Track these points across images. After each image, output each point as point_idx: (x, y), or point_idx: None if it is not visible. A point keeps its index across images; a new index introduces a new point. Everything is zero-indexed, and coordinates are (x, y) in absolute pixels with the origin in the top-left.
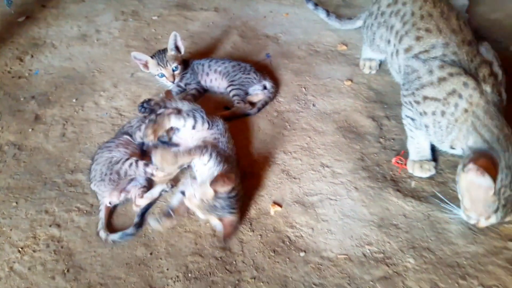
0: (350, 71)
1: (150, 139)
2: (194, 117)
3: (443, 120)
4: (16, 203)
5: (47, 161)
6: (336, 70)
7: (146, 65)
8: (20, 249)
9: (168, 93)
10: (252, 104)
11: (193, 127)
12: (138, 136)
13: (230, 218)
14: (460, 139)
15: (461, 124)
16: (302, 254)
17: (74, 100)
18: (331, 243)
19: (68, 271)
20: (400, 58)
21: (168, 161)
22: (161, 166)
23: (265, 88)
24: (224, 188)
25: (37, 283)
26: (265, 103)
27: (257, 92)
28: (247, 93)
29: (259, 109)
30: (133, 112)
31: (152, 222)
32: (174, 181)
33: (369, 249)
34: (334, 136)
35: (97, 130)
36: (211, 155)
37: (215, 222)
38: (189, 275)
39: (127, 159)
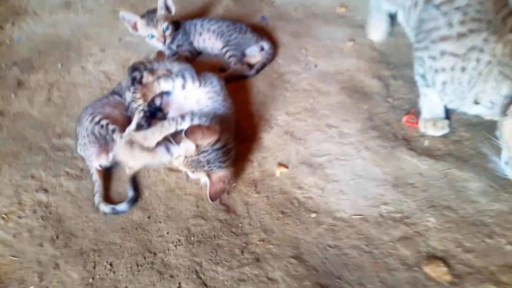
0: (351, 32)
1: (139, 104)
2: (183, 76)
3: (463, 76)
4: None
5: (32, 127)
6: (336, 32)
7: (135, 27)
8: (4, 215)
9: (160, 53)
10: (250, 66)
11: (183, 87)
12: (128, 97)
13: (220, 173)
14: (488, 91)
15: (486, 76)
16: (313, 215)
17: (59, 66)
18: (344, 203)
19: (57, 237)
20: (418, 11)
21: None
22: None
23: (262, 49)
24: (205, 140)
25: (23, 250)
26: (264, 65)
27: (255, 53)
28: (244, 54)
29: (258, 71)
30: (122, 76)
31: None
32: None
33: (385, 209)
34: (339, 97)
35: (85, 95)
36: (191, 119)
37: (205, 179)
38: (192, 238)
39: (100, 120)
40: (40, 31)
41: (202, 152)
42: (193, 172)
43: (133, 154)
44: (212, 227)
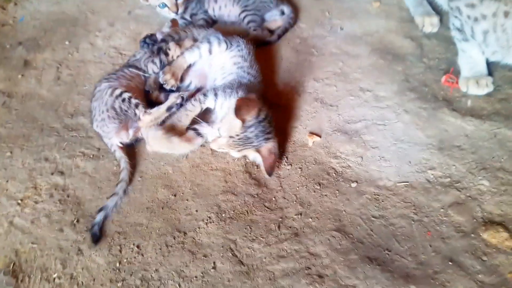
0: None
1: (172, 85)
2: (209, 41)
3: (507, 21)
4: (11, 152)
5: (42, 107)
6: None
7: None
8: (19, 201)
9: (175, 22)
10: (270, 31)
11: (210, 52)
12: (151, 69)
13: (268, 145)
14: None
15: None
16: (353, 185)
17: (67, 43)
18: (387, 170)
19: (77, 221)
20: None
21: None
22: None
23: (283, 13)
24: (251, 113)
25: (43, 237)
26: (285, 30)
27: (275, 18)
28: (263, 20)
29: (279, 36)
30: (134, 50)
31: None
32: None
33: (432, 174)
34: (370, 59)
35: (96, 71)
36: (215, 94)
37: (253, 155)
38: (223, 215)
39: (121, 93)
40: (44, 9)
41: (249, 127)
42: (239, 151)
43: (170, 145)
44: (243, 202)
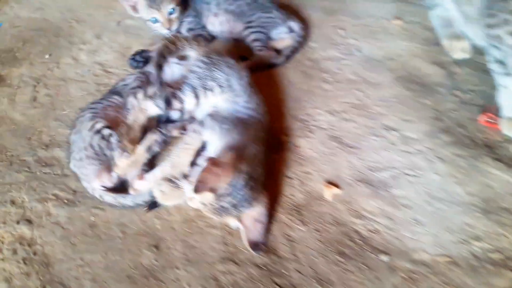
0: (395, 8)
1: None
2: (195, 94)
3: None
4: None
5: (13, 134)
6: (378, 7)
7: (135, 8)
8: None
9: (175, 41)
10: (277, 51)
11: (196, 104)
12: (130, 104)
13: (252, 212)
14: None
15: None
16: (384, 258)
17: (47, 56)
18: (423, 239)
19: None
20: None
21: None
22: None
23: (291, 30)
24: (222, 183)
25: None
26: (294, 50)
27: (283, 36)
28: (269, 37)
29: (288, 58)
30: (122, 67)
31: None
32: None
33: (479, 247)
34: (394, 89)
35: (78, 92)
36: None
37: (234, 224)
38: None
39: (102, 128)
40: (25, 15)
41: (223, 196)
42: (217, 218)
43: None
44: (247, 275)
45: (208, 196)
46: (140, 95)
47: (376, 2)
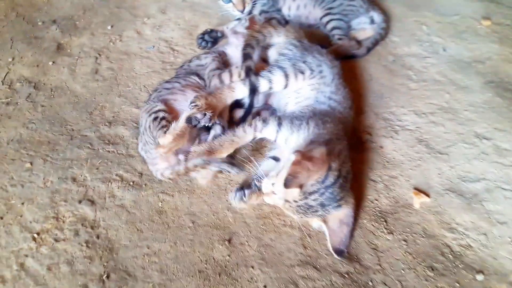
0: (484, 7)
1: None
2: (285, 72)
3: None
4: (31, 163)
5: (74, 107)
6: (464, 6)
7: None
8: (36, 235)
9: (252, 20)
10: (358, 42)
11: (285, 86)
12: (213, 86)
13: (338, 213)
14: None
15: None
16: (479, 277)
17: (109, 28)
18: None
19: (108, 277)
20: None
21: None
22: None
23: (373, 21)
24: (313, 178)
25: None
26: (376, 42)
27: (364, 26)
28: (350, 27)
29: (369, 50)
30: (189, 46)
31: (235, 200)
32: None
33: None
34: (485, 95)
35: (143, 68)
36: (279, 124)
37: (318, 224)
38: None
39: (158, 110)
40: None
41: (311, 193)
42: (299, 217)
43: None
44: (330, 284)
45: (294, 193)
46: (225, 77)
47: (462, 0)
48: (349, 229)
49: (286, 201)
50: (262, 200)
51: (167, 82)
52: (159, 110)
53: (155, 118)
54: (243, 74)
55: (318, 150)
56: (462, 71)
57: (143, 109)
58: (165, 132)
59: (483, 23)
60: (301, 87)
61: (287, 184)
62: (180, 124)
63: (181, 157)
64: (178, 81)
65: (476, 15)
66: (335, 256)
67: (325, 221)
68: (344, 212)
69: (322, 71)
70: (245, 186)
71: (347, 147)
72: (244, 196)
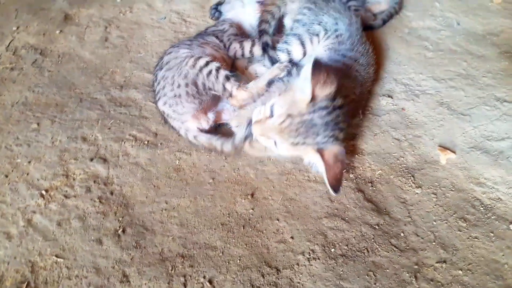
0: None
1: None
2: (300, 40)
3: None
4: (38, 124)
5: (82, 72)
6: None
7: None
8: (44, 192)
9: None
10: (373, 15)
11: (304, 54)
12: (233, 50)
13: (333, 148)
14: None
15: None
16: None
17: (118, 0)
18: None
19: (123, 231)
20: None
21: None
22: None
23: None
24: (327, 88)
25: (72, 248)
26: (390, 16)
27: (379, 0)
28: (365, 1)
29: (384, 22)
30: (201, 18)
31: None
32: None
33: None
34: (501, 63)
35: (154, 37)
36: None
37: (311, 158)
38: (332, 250)
39: (207, 63)
40: None
41: (320, 109)
42: (293, 145)
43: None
44: (360, 234)
45: (304, 101)
46: (247, 44)
47: None
48: (343, 166)
49: (289, 116)
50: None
51: (186, 39)
52: (208, 62)
53: (209, 72)
54: (260, 51)
55: (330, 71)
56: (477, 43)
57: (174, 62)
58: (239, 85)
59: (494, 1)
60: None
61: (314, 72)
62: (260, 85)
63: (211, 116)
64: (197, 39)
65: None
66: (331, 192)
67: (321, 154)
68: (338, 149)
69: (338, 29)
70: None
71: (356, 104)
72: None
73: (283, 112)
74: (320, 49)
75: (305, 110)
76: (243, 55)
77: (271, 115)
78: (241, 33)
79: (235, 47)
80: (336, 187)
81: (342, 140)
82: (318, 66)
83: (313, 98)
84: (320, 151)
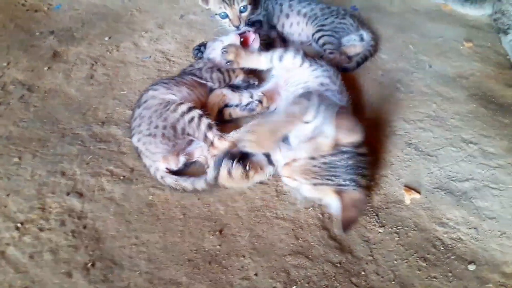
0: (465, 31)
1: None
2: (285, 49)
3: None
4: (19, 158)
5: (66, 108)
6: (447, 30)
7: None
8: (19, 225)
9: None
10: (348, 57)
11: (280, 59)
12: (216, 79)
13: (354, 193)
14: None
15: None
16: (471, 267)
17: (106, 39)
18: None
19: (93, 265)
20: None
21: (265, 137)
22: (256, 145)
23: (362, 39)
24: (351, 137)
25: (42, 281)
26: (365, 58)
27: (354, 43)
28: (340, 44)
29: (359, 64)
30: (185, 57)
31: (219, 169)
32: None
33: None
34: (469, 105)
35: (138, 75)
36: (318, 108)
37: (328, 200)
38: (294, 287)
39: (189, 109)
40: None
41: (342, 152)
42: (315, 185)
43: (247, 181)
44: (322, 272)
45: (326, 144)
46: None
47: (445, 25)
48: (358, 213)
49: (312, 158)
50: (246, 179)
51: (165, 79)
52: (191, 108)
53: (191, 119)
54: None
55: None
56: (447, 85)
57: (153, 101)
58: (220, 136)
59: (465, 44)
60: (308, 79)
61: (338, 125)
62: (240, 134)
63: (182, 158)
64: (174, 78)
65: (459, 38)
66: (341, 232)
67: (340, 195)
68: (359, 196)
69: (323, 66)
70: (230, 156)
71: None
72: (231, 167)
73: (306, 155)
74: (316, 83)
75: (327, 152)
76: (228, 81)
77: (296, 158)
78: None
79: (217, 76)
80: (345, 227)
81: (363, 187)
82: (340, 119)
83: (337, 143)
84: (339, 193)
